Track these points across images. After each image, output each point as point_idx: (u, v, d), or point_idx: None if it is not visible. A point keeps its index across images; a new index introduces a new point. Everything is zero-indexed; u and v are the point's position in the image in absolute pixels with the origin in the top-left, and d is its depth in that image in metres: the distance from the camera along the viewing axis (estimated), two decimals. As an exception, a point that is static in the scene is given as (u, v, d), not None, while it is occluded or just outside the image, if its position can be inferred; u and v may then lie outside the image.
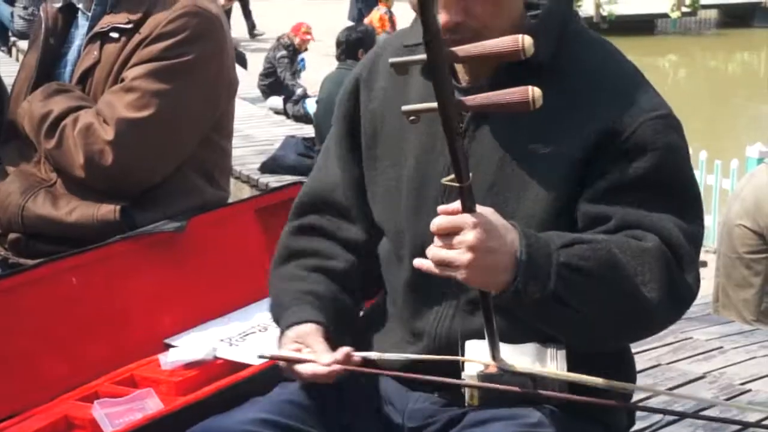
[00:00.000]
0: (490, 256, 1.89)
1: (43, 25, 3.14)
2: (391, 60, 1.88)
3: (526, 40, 1.76)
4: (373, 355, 2.17)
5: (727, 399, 4.22)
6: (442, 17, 2.05)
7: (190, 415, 2.46)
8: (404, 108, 1.86)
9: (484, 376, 2.05)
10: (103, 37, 3.01)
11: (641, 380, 4.22)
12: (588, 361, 2.09)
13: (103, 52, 3.01)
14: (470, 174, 1.83)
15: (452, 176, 1.83)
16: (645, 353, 4.88)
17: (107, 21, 3.02)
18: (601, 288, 1.99)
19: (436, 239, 1.91)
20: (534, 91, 1.77)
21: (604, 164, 2.09)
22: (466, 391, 2.08)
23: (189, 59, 2.96)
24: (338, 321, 2.30)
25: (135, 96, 2.92)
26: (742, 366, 4.99)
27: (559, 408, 2.10)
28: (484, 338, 2.04)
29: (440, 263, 1.91)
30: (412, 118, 1.86)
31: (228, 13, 16.65)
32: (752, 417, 4.00)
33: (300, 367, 2.17)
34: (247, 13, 22.37)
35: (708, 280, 7.71)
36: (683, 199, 2.12)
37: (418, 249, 2.11)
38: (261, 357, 2.29)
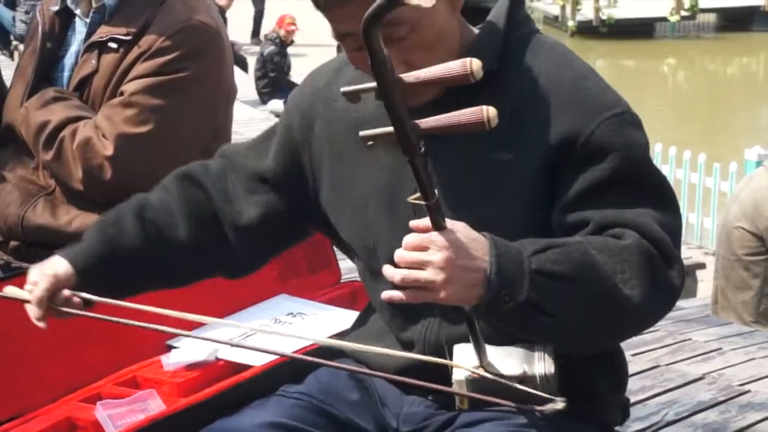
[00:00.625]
0: (463, 273, 1.87)
1: (39, 28, 3.12)
2: (343, 89, 1.86)
3: (474, 64, 1.73)
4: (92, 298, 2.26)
5: (726, 400, 4.22)
6: None
7: (192, 416, 2.47)
8: (362, 133, 1.84)
9: (472, 381, 2.05)
10: (101, 47, 3.00)
11: (640, 382, 4.24)
12: (577, 361, 2.09)
13: (101, 61, 2.99)
14: (435, 191, 1.82)
15: (419, 194, 1.82)
16: (644, 354, 4.89)
17: (106, 31, 3.01)
18: (578, 291, 1.95)
19: (400, 256, 1.89)
20: (489, 111, 1.75)
21: (567, 172, 2.06)
22: (456, 396, 2.09)
23: (187, 74, 2.96)
24: (121, 277, 2.35)
25: (134, 111, 2.92)
26: (740, 367, 5.00)
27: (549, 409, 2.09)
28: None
29: (414, 285, 1.89)
30: (369, 143, 1.84)
31: (223, 15, 16.65)
32: (752, 418, 4.01)
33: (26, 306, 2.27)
34: (258, 20, 22.33)
35: (707, 282, 7.74)
36: (654, 192, 2.09)
37: (393, 264, 2.06)
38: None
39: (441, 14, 2.06)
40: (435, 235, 1.87)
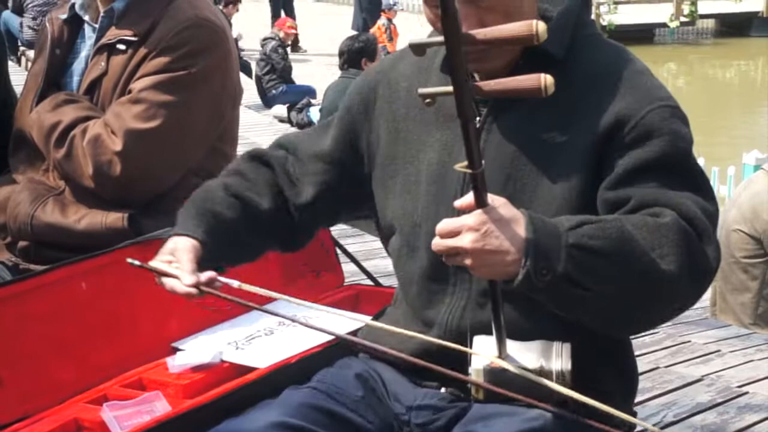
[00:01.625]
0: (494, 255, 1.90)
1: (49, 36, 3.14)
2: (411, 41, 1.91)
3: (540, 26, 1.78)
4: (234, 283, 2.21)
5: (725, 402, 4.22)
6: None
7: (197, 418, 2.47)
8: (421, 90, 1.87)
9: (489, 371, 2.05)
10: (110, 49, 3.02)
11: (640, 383, 4.21)
12: (592, 359, 2.11)
13: (110, 63, 3.01)
14: (483, 162, 1.84)
15: (465, 163, 1.84)
16: (644, 356, 4.89)
17: (114, 33, 3.02)
18: (615, 265, 1.96)
19: (435, 243, 1.94)
20: (546, 79, 1.79)
21: (616, 152, 2.12)
22: (472, 385, 2.09)
23: (194, 71, 2.98)
24: (227, 249, 2.35)
25: (142, 107, 2.93)
26: (739, 369, 4.99)
27: (562, 405, 2.10)
28: (492, 333, 2.04)
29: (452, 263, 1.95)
30: (427, 101, 1.87)
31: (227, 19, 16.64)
32: (750, 419, 4.01)
33: (165, 280, 2.23)
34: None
35: (706, 285, 7.73)
36: (694, 180, 2.13)
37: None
38: (130, 262, 2.31)
39: None
40: (467, 218, 1.90)
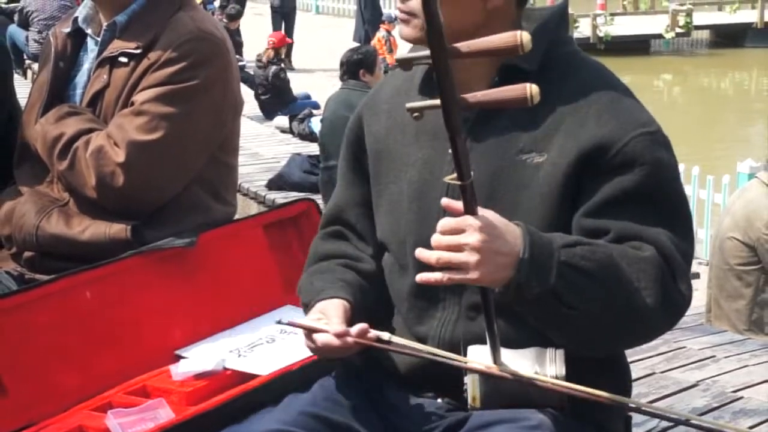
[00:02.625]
0: (496, 256, 1.92)
1: (53, 49, 3.14)
2: (397, 56, 1.92)
3: (524, 36, 1.78)
4: (385, 335, 2.17)
5: (720, 407, 4.22)
6: None
7: (200, 424, 2.48)
8: (408, 105, 1.86)
9: (485, 380, 2.06)
10: (112, 62, 3.02)
11: (636, 389, 4.22)
12: (585, 365, 2.11)
13: (112, 76, 3.01)
14: (471, 173, 1.85)
15: (454, 175, 1.85)
16: (640, 362, 4.88)
17: (117, 46, 3.03)
18: (600, 289, 2.00)
19: (436, 239, 1.93)
20: (531, 88, 1.79)
21: (596, 178, 2.11)
22: (468, 394, 2.09)
23: (196, 83, 2.97)
24: (363, 310, 2.31)
25: (145, 119, 2.93)
26: (734, 374, 4.99)
27: (560, 411, 2.11)
28: (486, 343, 2.05)
29: (447, 266, 1.93)
30: (415, 114, 1.86)
31: (229, 33, 16.61)
32: (745, 424, 4.01)
33: (316, 336, 2.19)
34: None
35: (701, 292, 7.71)
36: (674, 214, 2.14)
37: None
38: (279, 323, 2.33)
39: None
40: (470, 218, 1.91)
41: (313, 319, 2.24)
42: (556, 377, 2.05)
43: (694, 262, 9.25)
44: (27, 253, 3.02)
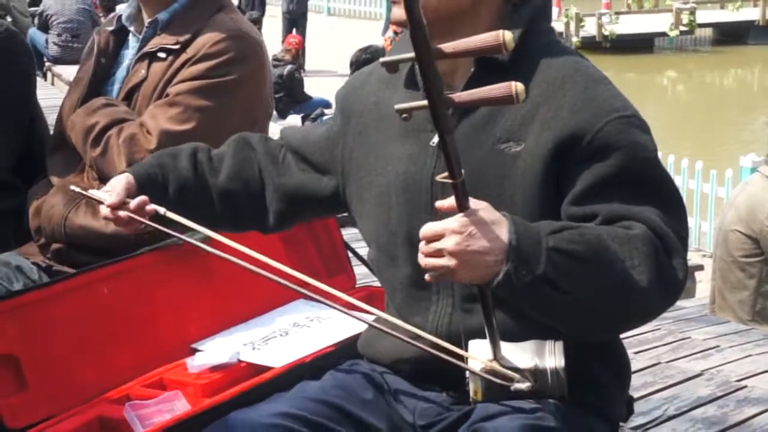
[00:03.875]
0: (476, 255, 1.90)
1: (96, 46, 3.18)
2: (382, 59, 1.89)
3: (507, 35, 1.76)
4: (161, 209, 2.29)
5: (724, 396, 4.21)
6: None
7: (215, 416, 2.46)
8: (397, 106, 1.85)
9: (486, 373, 2.05)
10: (151, 57, 3.05)
11: (642, 378, 4.23)
12: (584, 354, 2.10)
13: (150, 70, 3.04)
14: (462, 171, 1.84)
15: (446, 174, 1.84)
16: (645, 352, 4.88)
17: (157, 42, 3.05)
18: (591, 271, 1.97)
19: (421, 247, 1.93)
20: (516, 86, 1.78)
21: (575, 166, 2.09)
22: (470, 387, 2.08)
23: (231, 79, 2.99)
24: (166, 196, 2.38)
25: (178, 110, 2.94)
26: (738, 364, 4.99)
27: (561, 400, 2.10)
28: (484, 336, 2.04)
29: (432, 269, 1.93)
30: (404, 116, 1.85)
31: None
32: (749, 412, 4.00)
33: (99, 207, 2.33)
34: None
35: (705, 283, 7.73)
36: (659, 193, 2.10)
37: (413, 247, 2.11)
38: (73, 189, 2.46)
39: None
40: (450, 222, 1.90)
41: (104, 190, 2.34)
42: (556, 368, 2.03)
43: (698, 254, 9.30)
44: (55, 245, 3.03)
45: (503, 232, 1.92)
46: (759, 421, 3.94)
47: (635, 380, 4.02)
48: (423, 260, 1.94)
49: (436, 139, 2.17)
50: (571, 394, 2.07)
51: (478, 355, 2.06)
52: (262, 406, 2.21)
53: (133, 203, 2.27)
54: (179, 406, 2.58)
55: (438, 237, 1.91)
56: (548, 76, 2.16)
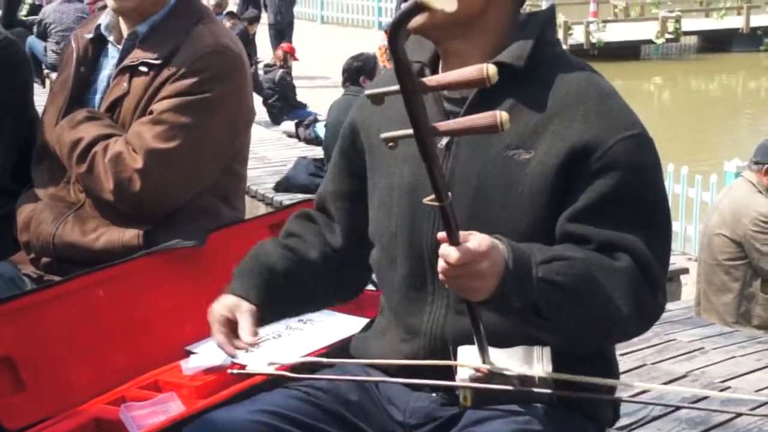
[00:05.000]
0: (474, 280, 1.92)
1: (74, 54, 3.13)
2: (367, 92, 1.89)
3: (490, 69, 1.75)
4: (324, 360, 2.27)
5: (707, 397, 4.20)
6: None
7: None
8: (383, 136, 1.86)
9: (475, 380, 2.05)
10: (132, 70, 3.01)
11: (628, 379, 4.23)
12: (572, 359, 2.10)
13: (132, 84, 3.01)
14: (449, 193, 1.84)
15: (433, 196, 1.84)
16: (632, 354, 4.88)
17: (137, 55, 3.02)
18: (575, 302, 2.01)
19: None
20: (501, 116, 1.77)
21: (581, 179, 2.10)
22: (460, 393, 2.08)
23: (213, 95, 2.97)
24: (285, 297, 2.37)
25: (163, 128, 2.92)
26: (722, 365, 4.99)
27: (549, 405, 2.10)
28: (474, 342, 2.05)
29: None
30: (390, 144, 1.86)
31: (248, 37, 16.49)
32: (732, 412, 4.00)
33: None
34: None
35: (690, 286, 7.72)
36: (653, 217, 2.14)
37: (413, 249, 2.20)
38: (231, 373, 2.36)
39: None
40: (452, 253, 1.88)
41: (223, 313, 2.30)
42: (543, 374, 2.04)
43: (684, 258, 9.30)
44: (44, 259, 3.02)
45: (501, 257, 1.95)
46: (741, 421, 3.94)
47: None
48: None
49: (444, 142, 2.18)
50: (560, 398, 2.08)
51: (467, 361, 2.06)
52: (245, 404, 2.21)
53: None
54: (174, 407, 2.58)
55: (443, 271, 1.92)
56: (562, 88, 2.17)
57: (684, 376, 4.51)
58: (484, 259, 1.91)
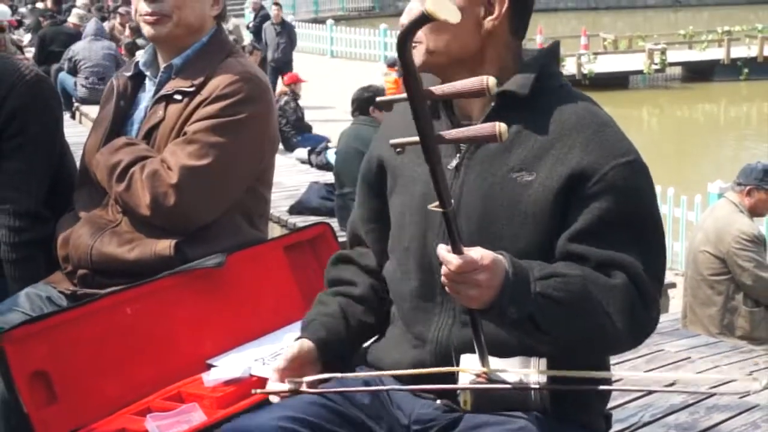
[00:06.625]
0: (470, 290, 1.94)
1: (115, 90, 3.18)
2: (378, 98, 1.92)
3: (490, 81, 1.78)
4: (339, 375, 2.25)
5: (695, 403, 4.20)
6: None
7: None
8: (391, 141, 1.88)
9: (475, 384, 2.06)
10: (168, 99, 3.05)
11: (621, 383, 4.21)
12: (567, 365, 2.10)
13: (167, 111, 3.04)
14: (452, 201, 1.86)
15: (437, 203, 1.86)
16: (623, 363, 4.87)
17: (172, 85, 3.06)
18: (571, 317, 2.02)
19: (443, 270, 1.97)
20: (500, 126, 1.80)
21: (578, 203, 2.11)
22: (461, 398, 2.09)
23: (242, 117, 2.99)
24: (348, 334, 2.39)
25: (196, 147, 2.95)
26: (707, 374, 4.97)
27: (544, 413, 2.11)
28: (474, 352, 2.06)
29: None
30: (398, 150, 1.88)
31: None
32: (717, 418, 4.00)
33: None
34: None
35: (677, 299, 7.72)
36: (648, 238, 2.15)
37: (423, 263, 2.23)
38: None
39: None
40: (453, 260, 1.91)
41: (283, 367, 2.34)
42: (539, 383, 2.05)
43: (671, 273, 9.29)
44: (81, 271, 3.03)
45: (501, 271, 1.96)
46: (726, 426, 3.94)
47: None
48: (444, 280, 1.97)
49: (454, 163, 2.20)
50: (554, 407, 2.08)
51: (469, 368, 2.07)
52: (269, 410, 2.22)
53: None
54: (196, 417, 2.57)
55: (446, 275, 1.94)
56: (563, 116, 2.18)
57: (672, 384, 4.48)
58: (483, 271, 1.93)
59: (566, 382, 2.06)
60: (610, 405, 3.40)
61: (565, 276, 2.04)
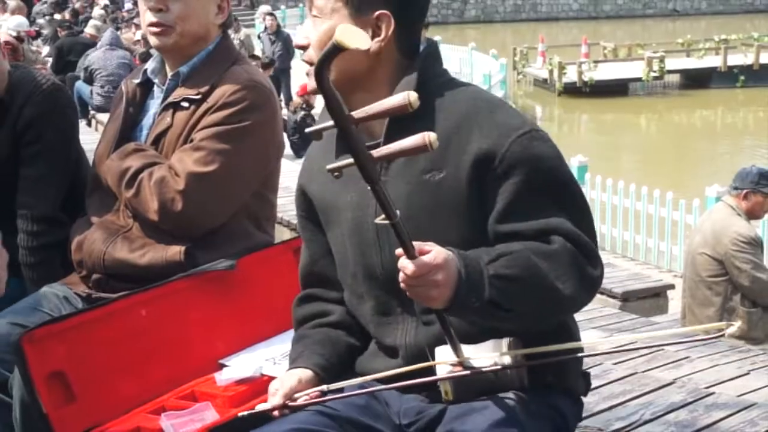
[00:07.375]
0: (433, 289, 1.96)
1: (123, 97, 3.18)
2: (307, 129, 1.95)
3: (412, 96, 1.80)
4: (324, 387, 2.26)
5: (694, 401, 4.19)
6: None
7: (241, 424, 2.46)
8: (328, 167, 1.90)
9: (452, 373, 2.10)
10: (175, 106, 3.05)
11: (620, 387, 4.21)
12: (539, 339, 2.14)
13: (175, 118, 3.04)
14: (397, 212, 1.87)
15: (383, 216, 1.87)
16: (623, 363, 4.86)
17: (180, 93, 3.06)
18: (527, 289, 2.04)
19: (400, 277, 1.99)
20: (429, 136, 1.82)
21: (491, 185, 2.13)
22: (442, 390, 2.13)
23: (247, 125, 2.99)
24: (339, 357, 2.38)
25: (202, 154, 2.95)
26: (706, 372, 4.98)
27: (523, 390, 2.14)
28: (446, 344, 2.09)
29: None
30: (336, 174, 1.89)
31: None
32: (716, 416, 3.98)
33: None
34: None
35: (676, 300, 7.71)
36: (569, 198, 2.16)
37: (371, 282, 2.25)
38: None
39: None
40: (408, 266, 1.94)
41: (271, 393, 2.31)
42: (514, 363, 2.09)
43: (670, 275, 9.29)
44: (95, 276, 3.03)
45: (454, 267, 1.98)
46: (725, 424, 3.92)
47: (614, 388, 4.02)
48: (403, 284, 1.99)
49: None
50: (533, 380, 2.12)
51: (444, 359, 2.10)
52: (277, 423, 2.22)
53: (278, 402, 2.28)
54: (209, 415, 2.57)
55: (403, 279, 1.96)
56: (455, 108, 2.19)
57: (672, 383, 4.48)
58: (439, 270, 1.95)
59: (538, 357, 2.10)
60: (611, 404, 3.41)
61: (511, 253, 2.05)
